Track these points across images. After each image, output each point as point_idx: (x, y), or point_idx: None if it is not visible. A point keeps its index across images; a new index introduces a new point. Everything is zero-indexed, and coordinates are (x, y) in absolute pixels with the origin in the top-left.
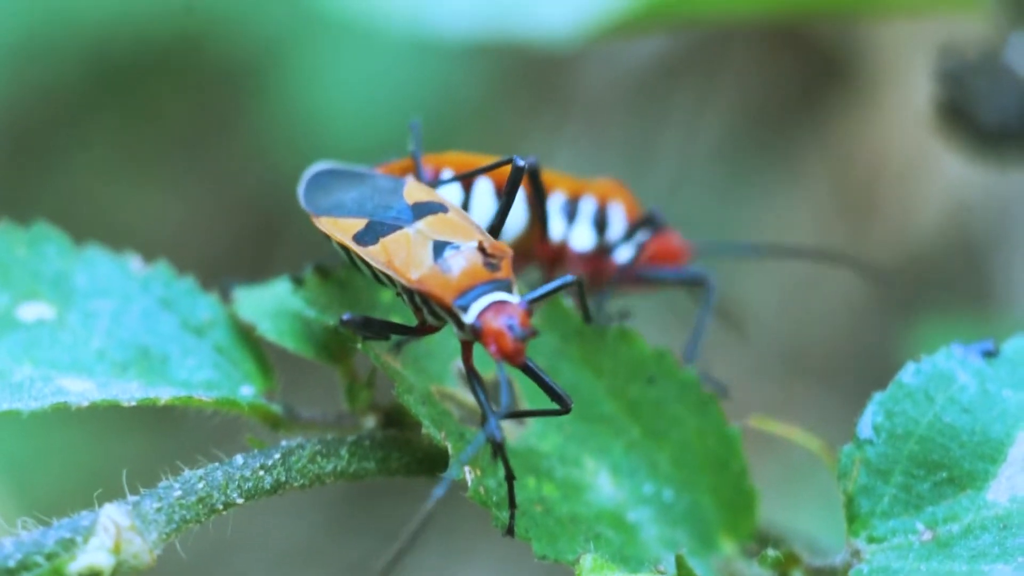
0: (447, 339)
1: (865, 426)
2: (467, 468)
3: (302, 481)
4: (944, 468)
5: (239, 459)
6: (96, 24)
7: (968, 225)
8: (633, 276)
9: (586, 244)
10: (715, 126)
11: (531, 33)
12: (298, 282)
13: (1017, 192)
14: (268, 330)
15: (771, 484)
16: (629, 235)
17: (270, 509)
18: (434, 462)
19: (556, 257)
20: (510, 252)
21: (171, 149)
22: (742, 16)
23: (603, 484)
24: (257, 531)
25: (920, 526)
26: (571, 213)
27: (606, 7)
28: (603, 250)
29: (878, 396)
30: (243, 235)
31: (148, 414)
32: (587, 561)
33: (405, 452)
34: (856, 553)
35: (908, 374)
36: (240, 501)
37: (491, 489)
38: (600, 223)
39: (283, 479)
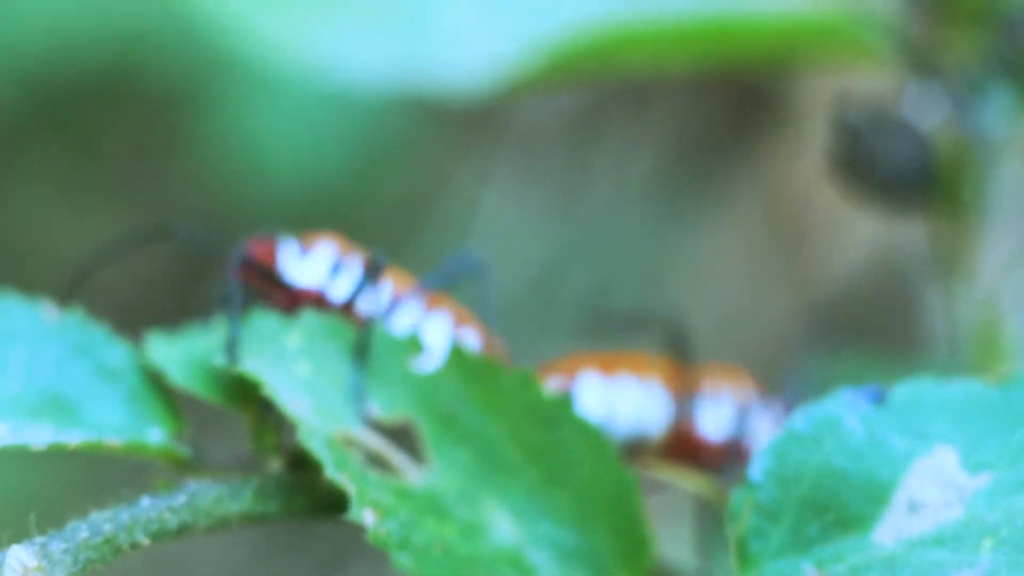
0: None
1: (756, 469)
2: (368, 511)
3: (207, 522)
4: (832, 511)
5: (145, 501)
6: (32, 55)
7: (894, 263)
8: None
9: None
10: (647, 164)
11: (439, 88)
12: (205, 329)
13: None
14: (177, 377)
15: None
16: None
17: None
18: (337, 504)
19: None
20: None
21: (108, 180)
22: (662, 68)
23: (503, 525)
24: (195, 553)
25: (808, 567)
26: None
27: (518, 61)
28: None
29: (768, 441)
30: (183, 265)
31: (65, 454)
32: None
33: (309, 494)
34: None
35: (798, 419)
36: (146, 542)
37: (392, 531)
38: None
39: (189, 521)
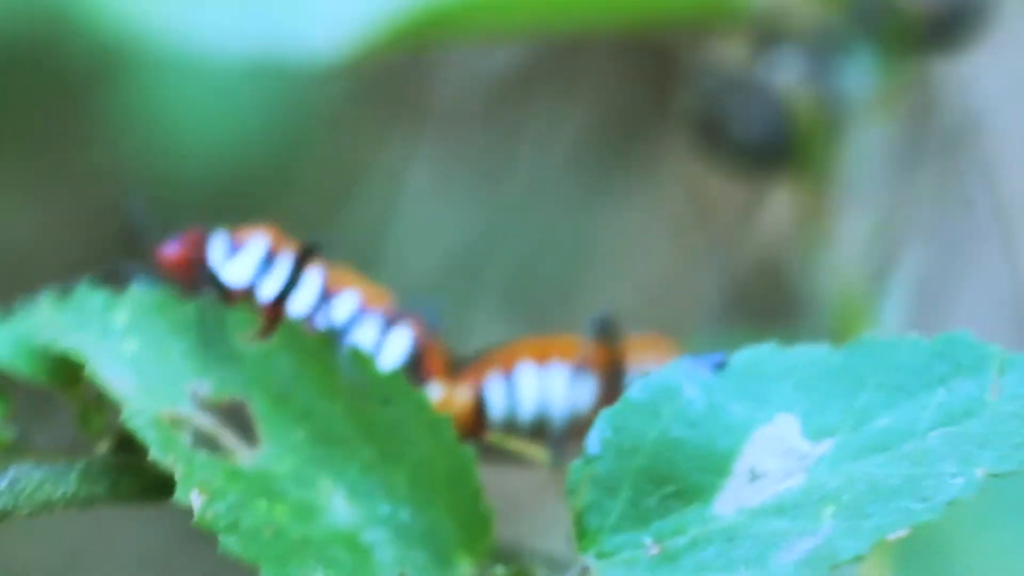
0: (182, 362)
1: (593, 441)
2: (195, 493)
3: (30, 508)
4: (672, 482)
5: None
6: None
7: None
8: None
9: None
10: (571, 134)
11: (295, 53)
12: (31, 306)
13: (927, 192)
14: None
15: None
16: None
17: (121, 517)
18: (165, 487)
19: None
20: None
21: (28, 152)
22: (517, 29)
23: (338, 506)
24: (108, 539)
25: (648, 540)
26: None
27: (374, 22)
28: None
29: (605, 411)
30: (105, 244)
31: None
32: None
33: (136, 477)
34: (585, 570)
35: (636, 389)
36: None
37: (220, 514)
38: None
39: (10, 506)
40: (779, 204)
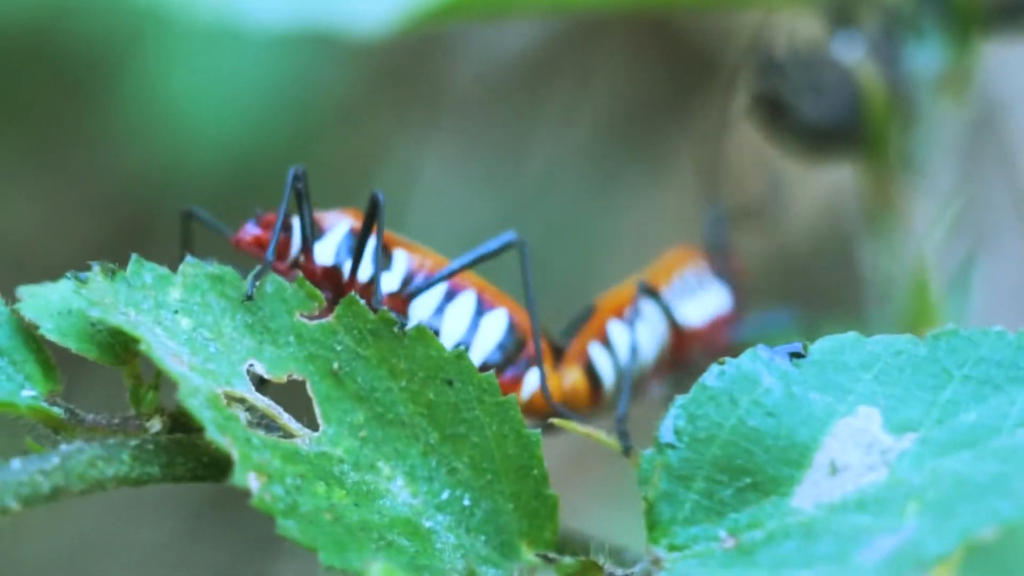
0: (238, 339)
1: (667, 430)
2: (252, 475)
3: (82, 486)
4: (748, 474)
5: (16, 463)
6: None
7: (841, 223)
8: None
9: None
10: (587, 120)
11: (344, 24)
12: (80, 281)
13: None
14: (50, 330)
15: (609, 486)
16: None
17: (131, 512)
18: (220, 467)
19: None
20: None
21: (32, 147)
22: (572, 7)
23: (398, 490)
24: (118, 535)
25: (723, 533)
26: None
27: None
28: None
29: (680, 399)
30: (112, 233)
31: None
32: (375, 571)
33: (190, 457)
34: (656, 561)
35: (712, 376)
36: (17, 507)
37: (278, 496)
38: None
39: (62, 484)
40: (809, 193)
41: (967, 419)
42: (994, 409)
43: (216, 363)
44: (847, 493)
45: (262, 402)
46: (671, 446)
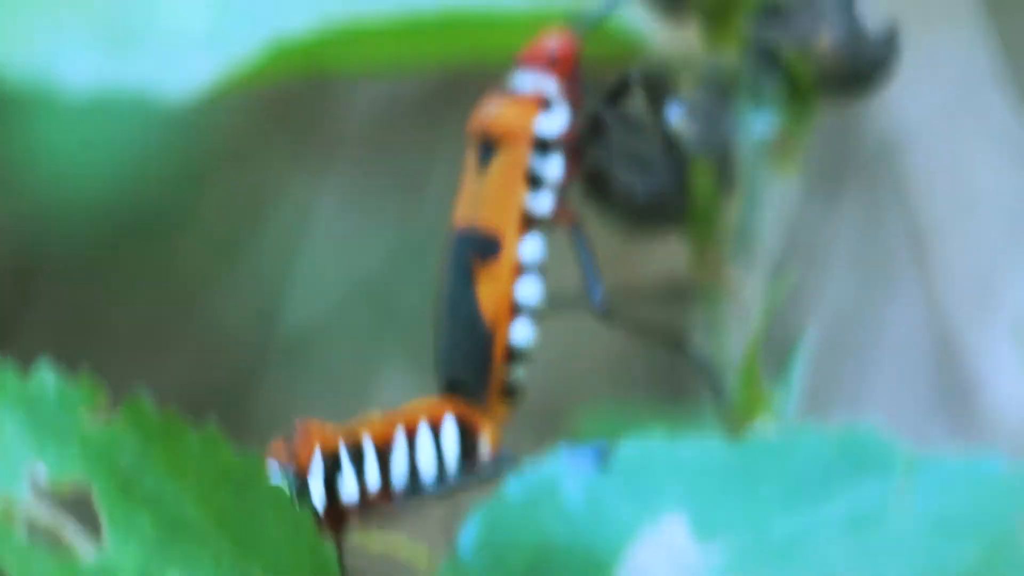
0: (17, 440)
1: (464, 541)
2: None
3: None
4: None
5: None
6: None
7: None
8: None
9: None
10: None
11: (153, 89)
12: None
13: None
14: None
15: None
16: None
17: None
18: None
19: None
20: None
21: None
22: (392, 66)
23: None
24: None
25: None
26: None
27: (232, 63)
28: None
29: (478, 508)
30: None
31: None
32: None
33: None
34: None
35: (512, 483)
36: None
37: None
38: None
39: None
40: (666, 258)
41: (779, 531)
42: (807, 520)
43: None
44: None
45: (43, 512)
46: (468, 559)
